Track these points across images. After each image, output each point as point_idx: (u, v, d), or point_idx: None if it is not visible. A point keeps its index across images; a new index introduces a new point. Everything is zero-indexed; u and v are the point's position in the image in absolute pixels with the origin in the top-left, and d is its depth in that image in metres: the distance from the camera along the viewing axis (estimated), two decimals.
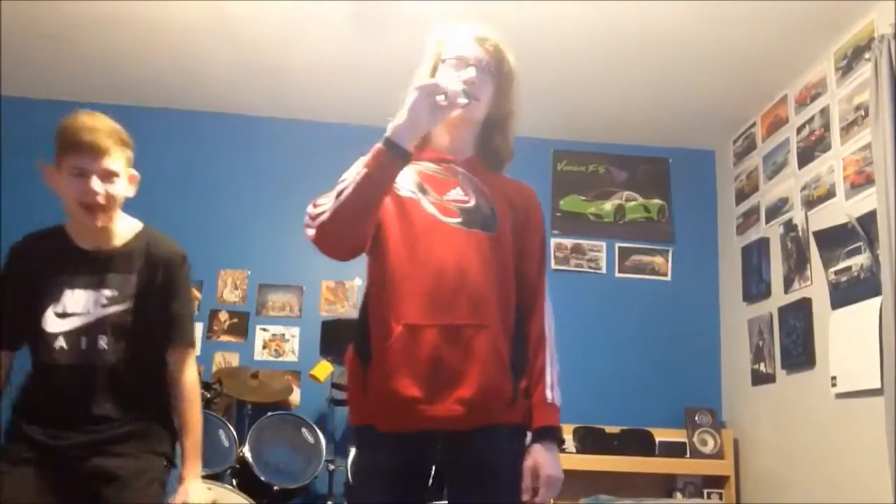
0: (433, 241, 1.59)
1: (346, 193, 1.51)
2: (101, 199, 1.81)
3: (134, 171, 1.92)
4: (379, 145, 1.51)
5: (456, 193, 1.65)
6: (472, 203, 1.65)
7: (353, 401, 1.64)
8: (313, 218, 1.57)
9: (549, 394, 1.63)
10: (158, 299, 1.92)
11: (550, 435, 1.61)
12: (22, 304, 1.87)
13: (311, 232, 1.57)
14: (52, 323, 1.85)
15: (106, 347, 1.85)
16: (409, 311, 1.55)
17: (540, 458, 1.58)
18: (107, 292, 1.88)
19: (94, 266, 1.89)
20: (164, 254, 1.95)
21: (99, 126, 1.81)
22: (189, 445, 1.93)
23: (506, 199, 1.70)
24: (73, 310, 1.85)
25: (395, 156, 1.49)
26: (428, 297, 1.55)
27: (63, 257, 1.89)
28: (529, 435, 1.62)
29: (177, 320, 1.95)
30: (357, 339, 1.63)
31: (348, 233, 1.55)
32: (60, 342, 1.84)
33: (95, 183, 1.80)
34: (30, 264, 1.89)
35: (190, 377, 1.95)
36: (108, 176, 1.82)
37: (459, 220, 1.62)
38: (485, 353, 1.54)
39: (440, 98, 1.50)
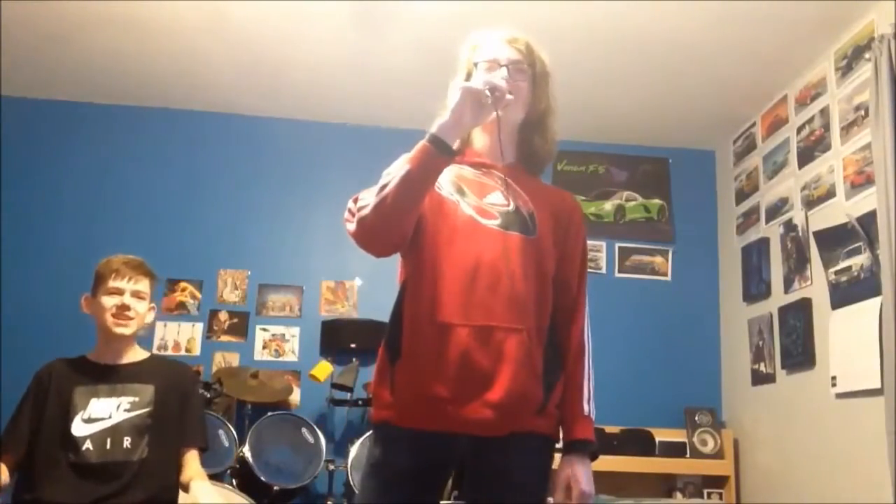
0: (470, 240, 1.57)
1: (389, 189, 1.49)
2: (130, 314, 2.24)
3: (152, 304, 2.35)
4: (424, 142, 1.50)
5: (495, 197, 1.64)
6: (511, 206, 1.64)
7: (377, 396, 1.61)
8: (354, 213, 1.56)
9: (585, 406, 1.62)
10: (175, 405, 2.28)
11: (586, 448, 1.60)
12: (41, 415, 2.17)
13: (352, 227, 1.56)
14: (80, 428, 2.16)
15: (129, 446, 2.17)
16: (442, 309, 1.53)
17: (574, 470, 1.56)
18: (128, 399, 2.22)
19: (115, 378, 2.24)
20: (176, 367, 2.41)
21: (131, 259, 2.29)
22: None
23: (547, 207, 1.68)
24: (98, 416, 2.18)
25: (439, 152, 1.49)
26: (462, 297, 1.53)
27: (88, 372, 2.24)
28: (562, 446, 1.60)
29: (190, 424, 2.31)
30: (388, 335, 1.61)
31: (389, 229, 1.53)
32: (87, 444, 2.14)
33: (127, 298, 2.23)
34: (56, 381, 2.22)
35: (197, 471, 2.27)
36: (137, 295, 2.26)
37: (498, 221, 1.61)
38: (517, 357, 1.51)
39: (487, 95, 1.51)
